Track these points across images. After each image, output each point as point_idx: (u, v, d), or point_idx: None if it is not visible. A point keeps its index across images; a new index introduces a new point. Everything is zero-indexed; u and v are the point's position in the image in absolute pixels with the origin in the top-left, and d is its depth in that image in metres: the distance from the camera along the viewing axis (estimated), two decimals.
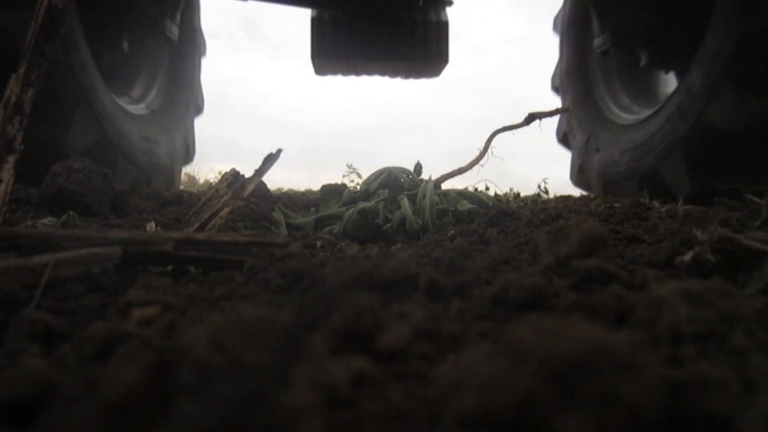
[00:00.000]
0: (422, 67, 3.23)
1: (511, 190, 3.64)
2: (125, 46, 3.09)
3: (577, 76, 3.23)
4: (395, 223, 1.76)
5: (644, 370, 0.37)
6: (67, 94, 2.37)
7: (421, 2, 3.03)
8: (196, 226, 1.37)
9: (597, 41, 3.19)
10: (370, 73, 3.38)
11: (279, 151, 1.78)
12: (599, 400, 0.35)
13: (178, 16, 3.40)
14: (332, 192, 2.92)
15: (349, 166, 2.90)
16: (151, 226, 1.55)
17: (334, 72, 3.44)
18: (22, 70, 1.08)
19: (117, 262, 0.90)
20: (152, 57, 3.40)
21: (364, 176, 2.16)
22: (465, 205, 1.92)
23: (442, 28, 3.17)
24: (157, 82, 3.45)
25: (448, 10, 3.25)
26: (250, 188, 1.54)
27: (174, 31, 3.38)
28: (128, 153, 2.90)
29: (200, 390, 0.37)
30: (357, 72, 3.36)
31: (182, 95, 3.61)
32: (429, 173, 2.04)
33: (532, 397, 0.35)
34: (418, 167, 2.10)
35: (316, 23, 3.05)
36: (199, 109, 3.92)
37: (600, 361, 0.36)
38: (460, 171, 2.23)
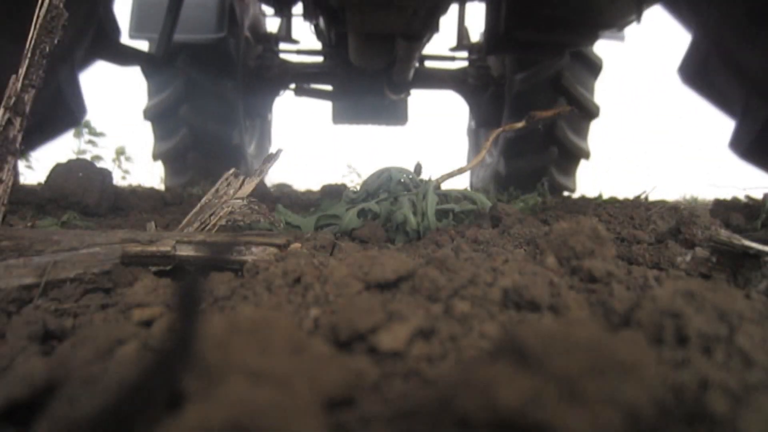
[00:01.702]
0: (395, 123, 6.15)
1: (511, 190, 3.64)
2: (246, 123, 5.52)
3: (476, 149, 6.52)
4: (395, 224, 1.75)
5: (644, 371, 0.37)
6: (236, 118, 4.85)
7: (404, 95, 5.60)
8: (196, 226, 1.37)
9: (470, 124, 6.46)
10: (366, 124, 6.22)
11: (279, 151, 1.78)
12: (599, 401, 0.35)
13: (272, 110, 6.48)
14: (332, 192, 2.92)
15: (349, 166, 3.08)
16: (151, 226, 1.55)
17: (344, 124, 6.20)
18: (22, 71, 1.08)
19: (117, 262, 0.90)
20: (252, 128, 6.12)
21: (364, 176, 2.16)
22: (465, 206, 1.92)
23: (406, 103, 6.03)
24: (254, 140, 6.18)
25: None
26: (250, 188, 1.54)
27: (270, 117, 6.46)
28: (245, 160, 5.30)
29: (201, 390, 0.37)
30: (359, 124, 6.14)
31: (263, 149, 6.41)
32: (429, 173, 2.04)
33: (533, 397, 0.35)
34: (418, 167, 2.10)
35: (335, 104, 5.87)
36: None
37: (600, 361, 0.36)
38: (461, 171, 2.24)
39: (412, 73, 4.68)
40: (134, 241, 0.93)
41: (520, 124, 2.40)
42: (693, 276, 0.97)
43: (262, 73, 5.20)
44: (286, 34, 5.30)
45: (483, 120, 5.87)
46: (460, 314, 0.61)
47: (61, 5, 1.11)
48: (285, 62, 5.31)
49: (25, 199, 2.19)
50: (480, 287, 0.66)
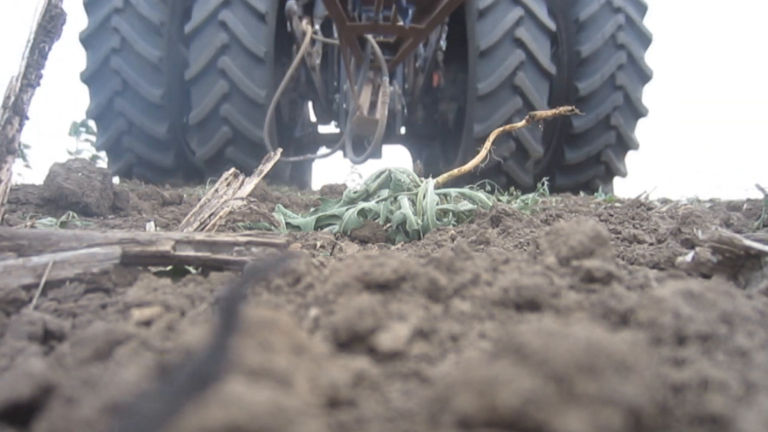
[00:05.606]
0: (375, 157, 8.39)
1: (511, 190, 3.65)
2: (305, 166, 9.56)
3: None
4: (395, 223, 1.75)
5: (644, 371, 0.37)
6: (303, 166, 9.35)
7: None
8: (196, 226, 1.37)
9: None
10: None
11: (279, 151, 1.78)
12: (599, 401, 0.35)
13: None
14: (332, 192, 2.93)
15: (352, 167, 3.20)
16: (151, 226, 1.55)
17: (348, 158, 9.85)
18: (21, 71, 1.08)
19: (117, 262, 0.90)
20: (308, 166, 9.84)
21: (365, 177, 2.16)
22: (465, 205, 1.92)
23: (380, 146, 8.65)
24: (308, 171, 10.23)
25: None
26: (250, 188, 1.54)
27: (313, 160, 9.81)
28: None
29: (201, 391, 0.37)
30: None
31: (308, 168, 9.98)
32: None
33: (533, 397, 0.35)
34: (418, 167, 2.10)
35: (346, 147, 8.68)
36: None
37: (600, 361, 0.36)
38: (461, 171, 2.24)
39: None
40: (134, 241, 0.93)
41: (521, 124, 2.42)
42: (693, 276, 0.97)
43: (311, 142, 9.45)
44: (321, 121, 9.62)
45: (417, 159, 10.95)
46: (460, 314, 0.61)
47: (61, 5, 1.11)
48: (322, 135, 9.66)
49: (25, 199, 2.19)
50: (480, 287, 0.66)
